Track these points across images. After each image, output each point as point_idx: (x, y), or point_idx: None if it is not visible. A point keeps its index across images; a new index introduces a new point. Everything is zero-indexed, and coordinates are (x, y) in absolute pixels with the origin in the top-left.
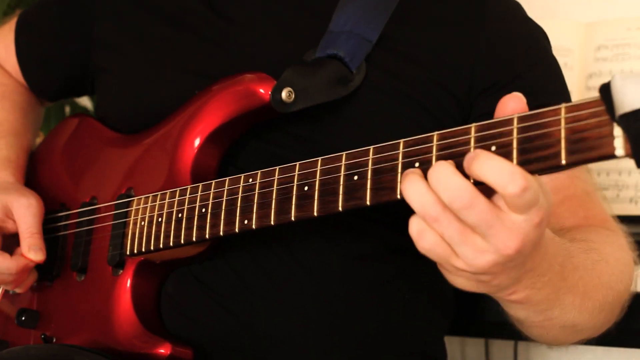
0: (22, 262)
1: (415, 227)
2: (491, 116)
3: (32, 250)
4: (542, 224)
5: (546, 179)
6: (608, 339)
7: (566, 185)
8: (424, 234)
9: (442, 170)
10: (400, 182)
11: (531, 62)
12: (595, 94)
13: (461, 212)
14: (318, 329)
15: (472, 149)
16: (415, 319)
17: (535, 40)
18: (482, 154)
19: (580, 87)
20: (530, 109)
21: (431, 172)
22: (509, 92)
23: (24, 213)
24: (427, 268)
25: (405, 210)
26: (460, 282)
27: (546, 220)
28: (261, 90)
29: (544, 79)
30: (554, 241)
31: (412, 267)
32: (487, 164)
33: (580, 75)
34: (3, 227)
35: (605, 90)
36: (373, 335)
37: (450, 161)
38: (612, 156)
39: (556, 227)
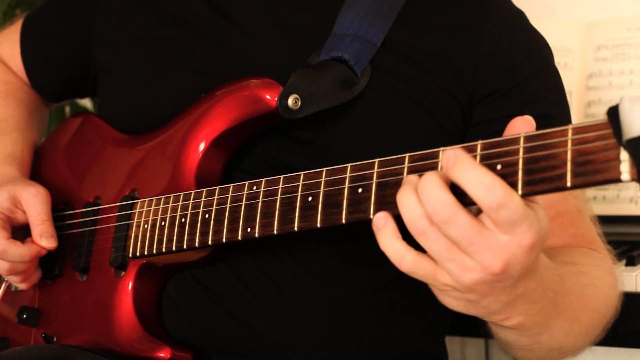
0: (34, 249)
1: (392, 252)
2: (490, 123)
3: (44, 237)
4: (533, 247)
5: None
6: (608, 339)
7: (560, 200)
8: (403, 259)
9: (429, 182)
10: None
11: (532, 71)
12: (595, 94)
13: (442, 226)
14: (320, 331)
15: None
16: (417, 321)
17: (537, 49)
18: (464, 160)
19: (580, 87)
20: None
21: (420, 183)
22: (511, 99)
23: (33, 201)
24: None
25: None
26: (450, 302)
27: (539, 245)
28: (267, 97)
29: (544, 89)
30: (548, 268)
31: None
32: (468, 173)
33: (580, 75)
34: (12, 217)
35: (613, 113)
36: (375, 337)
37: (441, 172)
38: (617, 180)
39: (546, 244)
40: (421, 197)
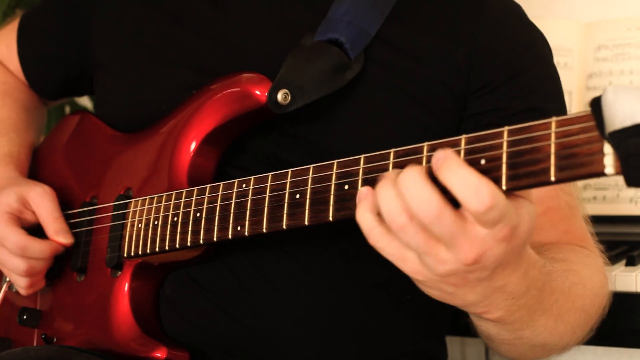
0: (53, 245)
1: (364, 223)
2: (482, 116)
3: (60, 233)
4: (508, 240)
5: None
6: (608, 339)
7: (551, 196)
8: (372, 231)
9: (411, 178)
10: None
11: (526, 65)
12: (595, 94)
13: (426, 221)
14: (317, 329)
15: None
16: (416, 319)
17: (533, 42)
18: (452, 160)
19: (580, 87)
20: (523, 111)
21: (400, 178)
22: (503, 92)
23: (42, 200)
24: None
25: None
26: (427, 290)
27: (514, 238)
28: (257, 92)
29: (539, 82)
30: (535, 265)
31: None
32: (456, 174)
33: (580, 75)
34: (23, 218)
35: (596, 105)
36: (373, 336)
37: (421, 167)
38: (601, 174)
39: (535, 240)
40: (404, 193)
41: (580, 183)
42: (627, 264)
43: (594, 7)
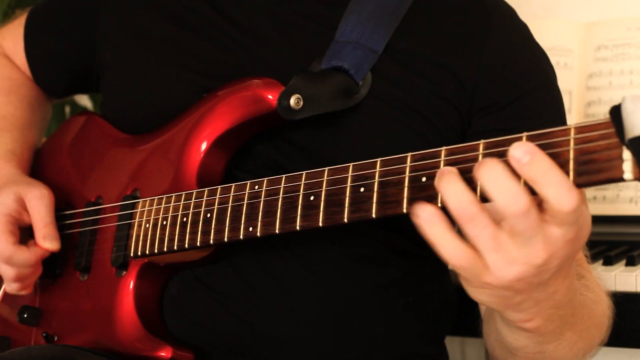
0: (38, 252)
1: (445, 247)
2: (485, 135)
3: (47, 239)
4: (573, 241)
5: None
6: (608, 339)
7: None
8: (455, 252)
9: (498, 172)
10: (436, 180)
11: (532, 86)
12: (595, 94)
13: (512, 217)
14: (322, 330)
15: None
16: (418, 321)
17: (538, 64)
18: (542, 160)
19: (580, 87)
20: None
21: (484, 171)
22: (508, 113)
23: (37, 204)
24: (431, 270)
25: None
26: (481, 297)
27: (578, 239)
28: (269, 97)
29: (543, 103)
30: (574, 277)
31: (416, 269)
32: (547, 173)
33: (580, 75)
34: (20, 219)
35: (616, 112)
36: (376, 337)
37: (501, 160)
38: (620, 179)
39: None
40: (489, 186)
41: None
42: (627, 264)
43: (594, 7)
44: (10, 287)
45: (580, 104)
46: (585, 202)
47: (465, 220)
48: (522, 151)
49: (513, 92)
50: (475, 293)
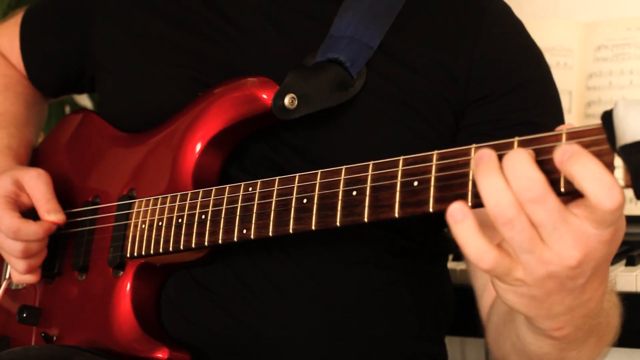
0: (46, 225)
1: (473, 248)
2: (477, 127)
3: (51, 213)
4: (609, 242)
5: None
6: None
7: None
8: (485, 257)
9: (519, 158)
10: (474, 169)
11: (524, 79)
12: (595, 94)
13: (529, 205)
14: (319, 332)
15: (471, 170)
16: (417, 322)
17: (532, 56)
18: (584, 154)
19: (580, 87)
20: (519, 124)
21: (507, 160)
22: (500, 105)
23: (36, 183)
24: (428, 271)
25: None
26: (512, 298)
27: (614, 241)
28: (264, 96)
29: (536, 96)
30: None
31: (414, 270)
32: (587, 168)
33: (580, 75)
34: (19, 201)
35: (607, 118)
36: (374, 338)
37: (529, 150)
38: None
39: None
40: (509, 174)
41: None
42: (627, 264)
43: (594, 7)
44: (17, 266)
45: (580, 104)
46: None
47: (502, 222)
48: (563, 148)
49: (506, 84)
50: (504, 293)
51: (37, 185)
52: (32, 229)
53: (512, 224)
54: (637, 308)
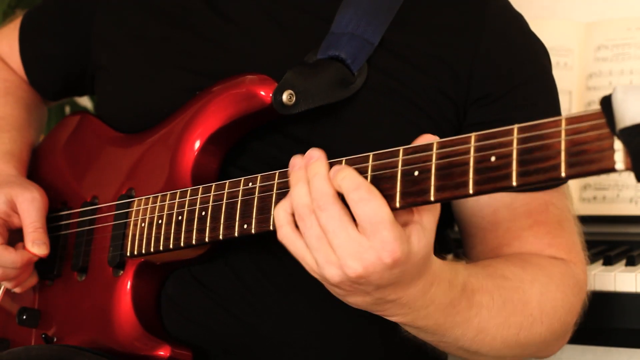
0: (26, 256)
1: (277, 217)
2: (481, 127)
3: (35, 244)
4: (395, 265)
5: (520, 202)
6: (608, 339)
7: (539, 211)
8: (281, 228)
9: (317, 173)
10: (290, 172)
11: (527, 77)
12: (595, 94)
13: (317, 210)
14: (318, 330)
15: (471, 158)
16: None
17: (533, 54)
18: (345, 168)
19: (580, 87)
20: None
21: (309, 172)
22: (504, 104)
23: (28, 207)
24: None
25: None
26: (330, 289)
27: (405, 265)
28: (262, 93)
29: (538, 94)
30: (442, 282)
31: None
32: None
33: (580, 75)
34: (9, 221)
35: (606, 102)
36: (374, 337)
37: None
38: (612, 170)
39: (514, 249)
40: (310, 185)
41: (580, 183)
42: (627, 264)
43: (594, 7)
44: (2, 283)
45: (580, 104)
46: (411, 226)
47: (297, 217)
48: (334, 169)
49: (509, 82)
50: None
51: (28, 210)
52: (10, 258)
53: (304, 220)
54: (637, 308)
